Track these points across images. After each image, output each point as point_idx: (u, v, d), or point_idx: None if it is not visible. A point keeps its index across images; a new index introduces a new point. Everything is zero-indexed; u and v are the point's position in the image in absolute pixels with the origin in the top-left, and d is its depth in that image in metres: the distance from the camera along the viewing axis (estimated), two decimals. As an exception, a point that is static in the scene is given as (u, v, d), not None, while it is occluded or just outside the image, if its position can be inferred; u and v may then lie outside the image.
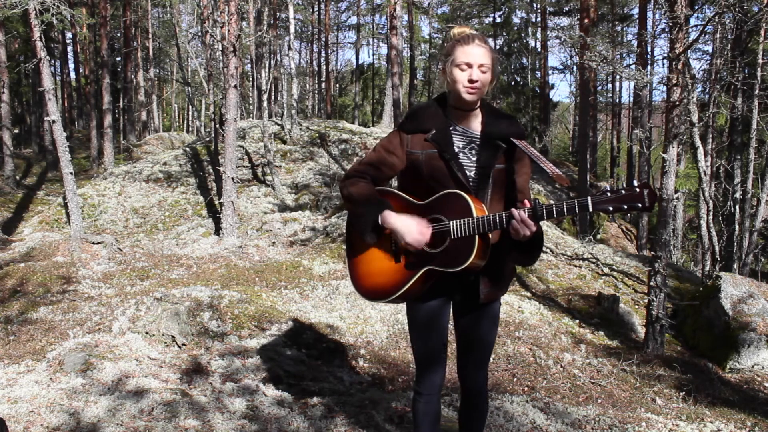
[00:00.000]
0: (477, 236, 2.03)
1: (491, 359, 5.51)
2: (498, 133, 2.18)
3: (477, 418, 2.45)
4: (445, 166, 2.14)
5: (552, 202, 1.98)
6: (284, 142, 14.78)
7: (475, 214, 2.04)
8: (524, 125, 26.34)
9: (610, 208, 1.86)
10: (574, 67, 28.36)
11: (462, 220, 2.06)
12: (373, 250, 2.26)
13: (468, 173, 2.16)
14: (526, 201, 1.99)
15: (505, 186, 2.20)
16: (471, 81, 2.09)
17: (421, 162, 2.16)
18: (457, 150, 2.17)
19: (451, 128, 2.20)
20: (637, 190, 1.83)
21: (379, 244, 2.24)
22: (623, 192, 1.85)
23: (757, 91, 11.99)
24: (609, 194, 1.86)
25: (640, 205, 1.83)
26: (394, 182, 2.45)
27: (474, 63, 2.08)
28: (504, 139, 2.18)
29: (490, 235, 2.12)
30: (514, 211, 1.98)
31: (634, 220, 22.65)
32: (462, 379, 2.42)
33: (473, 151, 2.19)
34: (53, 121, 8.74)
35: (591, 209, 1.88)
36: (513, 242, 2.07)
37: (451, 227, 2.08)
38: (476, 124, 2.22)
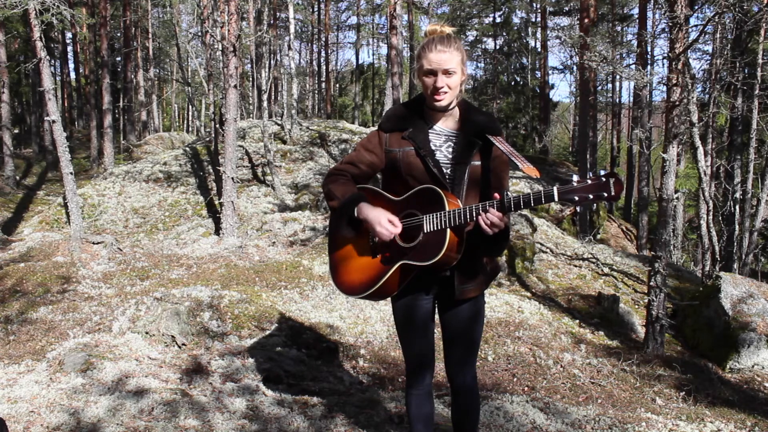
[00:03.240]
0: (449, 229, 2.05)
1: (491, 359, 5.52)
2: (473, 130, 2.21)
3: (465, 418, 2.43)
4: (421, 162, 2.18)
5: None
6: (284, 142, 14.77)
7: (447, 208, 2.06)
8: (524, 125, 26.40)
9: (576, 198, 1.83)
10: (574, 67, 28.38)
11: (434, 214, 2.08)
12: (352, 246, 2.31)
13: (444, 170, 2.19)
14: (496, 194, 2.00)
15: (482, 182, 2.22)
16: (436, 88, 2.13)
17: (398, 159, 2.21)
18: (433, 147, 2.21)
19: (428, 127, 2.24)
20: (603, 179, 1.80)
21: (357, 240, 2.29)
22: (589, 182, 1.82)
23: (757, 91, 11.99)
24: (575, 184, 1.83)
25: (605, 194, 1.80)
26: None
27: (438, 70, 2.11)
28: (480, 136, 2.20)
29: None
30: (485, 204, 2.00)
31: (634, 220, 22.64)
32: (448, 376, 2.43)
33: (450, 149, 2.22)
34: (53, 121, 8.74)
35: (557, 199, 1.86)
36: (481, 234, 2.08)
37: (424, 221, 2.11)
38: (453, 122, 2.26)
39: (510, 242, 9.36)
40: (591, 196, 1.81)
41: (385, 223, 2.12)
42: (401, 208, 2.20)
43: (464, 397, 2.41)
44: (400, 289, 2.25)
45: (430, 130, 2.24)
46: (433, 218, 2.09)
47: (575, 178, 1.84)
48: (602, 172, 1.81)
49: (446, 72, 2.11)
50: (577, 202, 1.83)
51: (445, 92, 2.14)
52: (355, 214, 2.19)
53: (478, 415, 2.47)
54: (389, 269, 2.17)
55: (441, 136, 2.24)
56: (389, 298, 2.37)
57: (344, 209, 2.22)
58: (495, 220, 1.97)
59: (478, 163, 2.21)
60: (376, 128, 2.38)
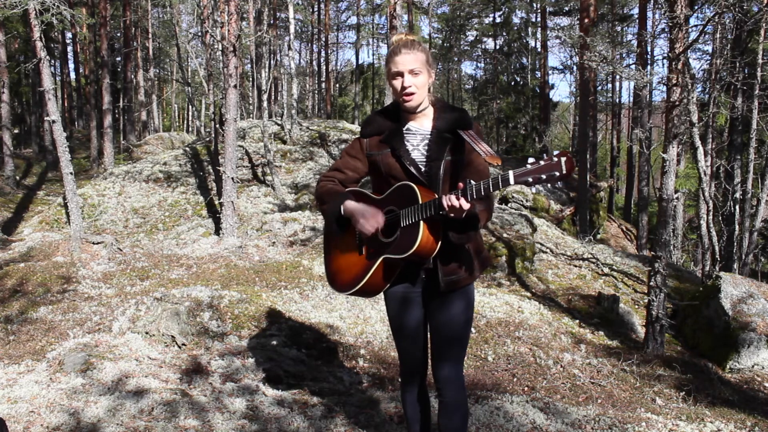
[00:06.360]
0: (422, 221, 2.14)
1: (491, 359, 5.51)
2: (446, 126, 2.30)
3: (449, 418, 2.36)
4: (398, 162, 2.29)
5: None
6: (284, 142, 14.78)
7: (420, 201, 2.15)
8: (524, 125, 26.39)
9: (530, 179, 1.90)
10: (574, 67, 28.37)
11: (409, 208, 2.19)
12: (342, 245, 2.42)
13: (422, 168, 2.29)
14: (459, 183, 2.07)
15: (459, 175, 2.29)
16: (403, 88, 2.23)
17: (378, 162, 2.34)
18: (411, 147, 2.32)
19: (404, 129, 2.34)
20: (555, 159, 1.86)
21: (346, 239, 2.40)
22: (542, 163, 1.88)
23: (757, 91, 11.99)
24: (529, 166, 1.91)
25: (557, 173, 1.85)
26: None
27: (404, 70, 2.22)
28: (452, 132, 2.29)
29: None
30: (449, 194, 2.07)
31: (634, 220, 22.64)
32: (432, 371, 2.41)
33: (426, 147, 2.32)
34: (53, 121, 8.74)
35: (512, 183, 1.93)
36: (450, 222, 2.16)
37: (401, 216, 2.21)
38: (428, 122, 2.36)
39: (510, 242, 9.36)
40: (544, 176, 1.87)
41: (368, 216, 2.23)
42: (382, 206, 2.30)
43: (447, 394, 2.35)
44: (389, 284, 2.33)
45: (406, 131, 2.34)
46: (407, 212, 2.19)
47: (530, 160, 1.91)
48: (555, 152, 1.87)
49: (412, 72, 2.21)
50: (531, 183, 1.90)
51: (413, 92, 2.24)
52: (342, 212, 2.31)
53: (466, 417, 2.39)
54: (373, 264, 2.28)
55: (417, 136, 2.34)
56: (382, 295, 2.43)
57: (332, 208, 2.33)
58: (455, 203, 2.03)
59: (451, 157, 2.29)
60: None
